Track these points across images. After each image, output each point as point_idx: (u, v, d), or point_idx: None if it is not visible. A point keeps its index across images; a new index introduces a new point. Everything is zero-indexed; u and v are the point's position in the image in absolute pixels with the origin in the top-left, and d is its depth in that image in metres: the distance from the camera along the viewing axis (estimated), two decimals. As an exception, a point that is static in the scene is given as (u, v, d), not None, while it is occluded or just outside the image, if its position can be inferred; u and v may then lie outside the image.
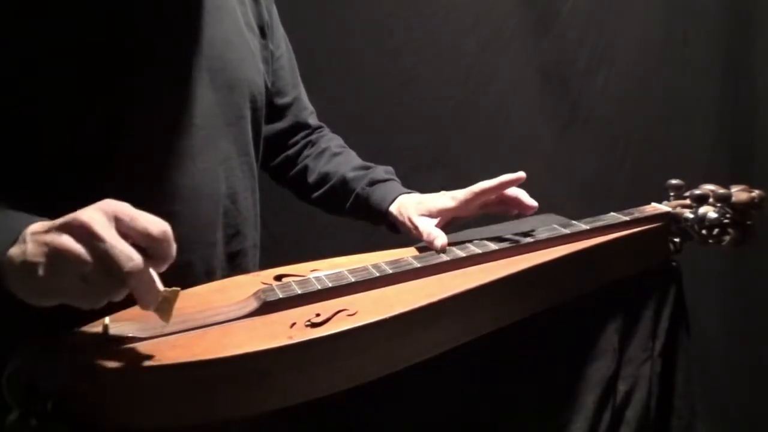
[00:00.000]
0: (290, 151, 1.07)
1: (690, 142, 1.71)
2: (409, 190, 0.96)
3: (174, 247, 0.58)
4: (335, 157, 1.05)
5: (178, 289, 0.61)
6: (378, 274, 0.75)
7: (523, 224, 0.89)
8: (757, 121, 1.67)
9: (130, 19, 0.78)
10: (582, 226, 0.86)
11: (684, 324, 0.87)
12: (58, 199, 0.61)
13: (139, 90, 0.78)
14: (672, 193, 0.92)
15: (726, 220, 0.85)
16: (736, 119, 1.69)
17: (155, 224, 0.57)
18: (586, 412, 0.83)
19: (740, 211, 0.85)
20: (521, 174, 0.87)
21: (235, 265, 0.90)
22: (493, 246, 0.82)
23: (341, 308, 0.69)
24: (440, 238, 0.83)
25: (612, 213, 0.89)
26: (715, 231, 0.86)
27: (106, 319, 0.63)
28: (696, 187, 0.88)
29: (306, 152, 1.07)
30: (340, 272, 0.76)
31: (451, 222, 0.90)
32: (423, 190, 0.96)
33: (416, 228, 0.88)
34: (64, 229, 0.55)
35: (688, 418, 0.86)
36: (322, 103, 1.14)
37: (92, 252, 0.54)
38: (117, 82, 0.76)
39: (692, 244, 0.88)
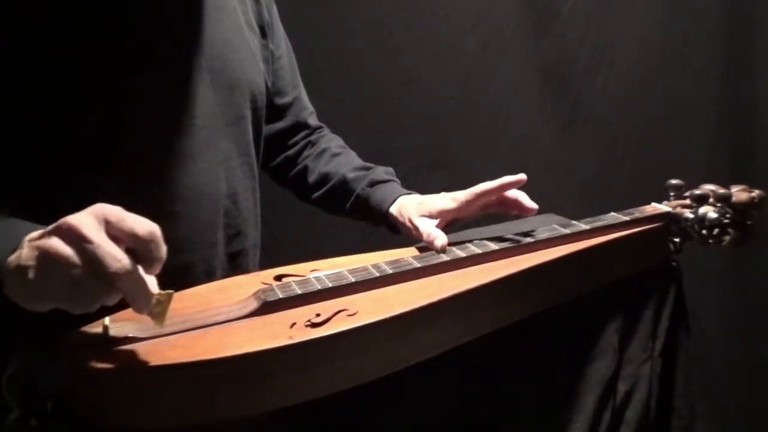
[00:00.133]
0: (290, 152, 1.07)
1: (690, 142, 1.71)
2: (409, 191, 0.96)
3: (164, 248, 0.57)
4: (335, 157, 1.05)
5: (172, 291, 0.60)
6: (378, 274, 0.75)
7: (524, 224, 0.89)
8: (757, 121, 1.67)
9: (130, 19, 0.78)
10: (582, 226, 0.86)
11: (684, 324, 0.87)
12: (59, 199, 0.61)
13: (139, 90, 0.78)
14: (672, 193, 0.92)
15: (726, 220, 0.85)
16: (736, 119, 1.69)
17: (142, 225, 0.56)
18: (586, 412, 0.83)
19: (740, 211, 0.85)
20: (522, 176, 0.87)
21: (235, 265, 0.90)
22: (493, 246, 0.82)
23: (341, 308, 0.69)
24: (440, 239, 0.83)
25: (612, 213, 0.89)
26: (715, 231, 0.86)
27: (106, 320, 0.63)
28: (696, 187, 0.88)
29: (306, 152, 1.07)
30: (340, 272, 0.76)
31: (451, 223, 0.90)
32: (423, 190, 0.96)
33: (416, 229, 0.88)
34: (54, 232, 0.55)
35: (688, 418, 0.86)
36: (322, 103, 1.14)
37: (81, 254, 0.54)
38: (117, 82, 0.76)
39: (692, 244, 0.88)
